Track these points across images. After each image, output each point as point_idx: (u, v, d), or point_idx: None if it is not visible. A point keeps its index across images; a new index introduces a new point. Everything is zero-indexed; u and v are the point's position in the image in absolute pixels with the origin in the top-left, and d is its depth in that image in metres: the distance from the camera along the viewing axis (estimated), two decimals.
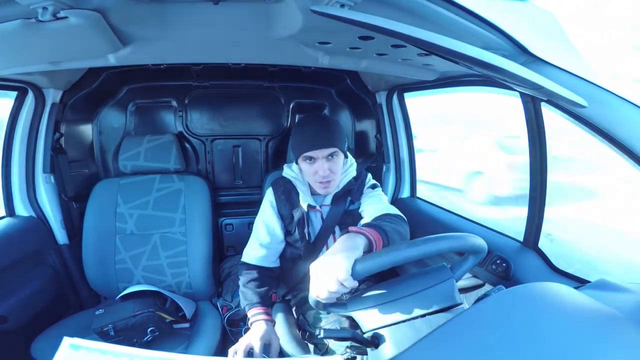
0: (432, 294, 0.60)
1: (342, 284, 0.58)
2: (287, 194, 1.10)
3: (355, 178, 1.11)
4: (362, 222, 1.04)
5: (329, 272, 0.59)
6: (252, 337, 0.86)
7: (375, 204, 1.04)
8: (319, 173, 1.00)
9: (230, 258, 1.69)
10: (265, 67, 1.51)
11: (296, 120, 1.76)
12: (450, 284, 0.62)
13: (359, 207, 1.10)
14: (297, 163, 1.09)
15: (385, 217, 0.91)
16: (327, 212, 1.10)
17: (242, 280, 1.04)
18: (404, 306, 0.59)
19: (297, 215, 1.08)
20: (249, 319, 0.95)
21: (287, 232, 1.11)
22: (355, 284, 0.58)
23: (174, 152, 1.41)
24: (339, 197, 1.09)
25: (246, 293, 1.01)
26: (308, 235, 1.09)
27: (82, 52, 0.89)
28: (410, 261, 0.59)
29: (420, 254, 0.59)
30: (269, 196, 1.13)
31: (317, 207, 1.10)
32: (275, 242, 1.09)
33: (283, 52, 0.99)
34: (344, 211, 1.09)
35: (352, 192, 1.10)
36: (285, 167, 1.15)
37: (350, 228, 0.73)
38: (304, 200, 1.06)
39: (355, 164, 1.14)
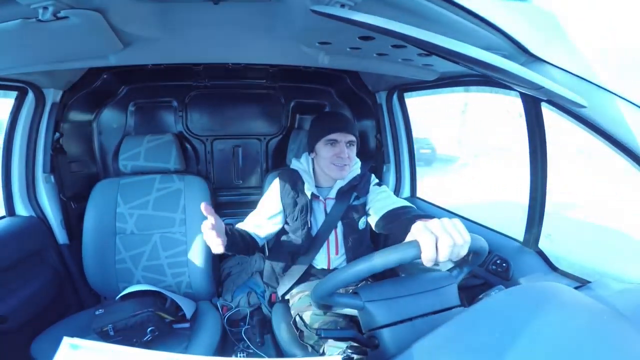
0: (442, 293, 0.61)
1: (465, 244, 0.53)
2: (292, 183, 1.14)
3: (360, 176, 1.15)
4: (374, 216, 1.08)
5: (458, 229, 0.53)
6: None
7: (388, 199, 1.08)
8: (341, 155, 1.05)
9: (230, 258, 1.69)
10: (265, 67, 1.51)
11: (296, 120, 1.77)
12: (455, 287, 0.63)
13: (363, 203, 1.15)
14: (309, 153, 1.14)
15: (407, 208, 0.98)
16: (331, 206, 1.13)
17: None
18: (415, 303, 0.59)
19: (300, 202, 1.12)
20: None
21: (287, 222, 1.15)
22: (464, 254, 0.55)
23: (174, 152, 1.41)
24: (344, 192, 1.12)
25: None
26: (310, 224, 1.12)
27: (82, 52, 0.89)
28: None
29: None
30: (274, 184, 1.17)
31: (321, 198, 1.14)
32: (269, 224, 1.13)
33: (283, 52, 0.99)
34: (347, 206, 1.13)
35: (357, 187, 1.13)
36: (293, 160, 1.21)
37: (419, 221, 0.74)
38: (308, 189, 1.11)
39: (359, 163, 1.18)
